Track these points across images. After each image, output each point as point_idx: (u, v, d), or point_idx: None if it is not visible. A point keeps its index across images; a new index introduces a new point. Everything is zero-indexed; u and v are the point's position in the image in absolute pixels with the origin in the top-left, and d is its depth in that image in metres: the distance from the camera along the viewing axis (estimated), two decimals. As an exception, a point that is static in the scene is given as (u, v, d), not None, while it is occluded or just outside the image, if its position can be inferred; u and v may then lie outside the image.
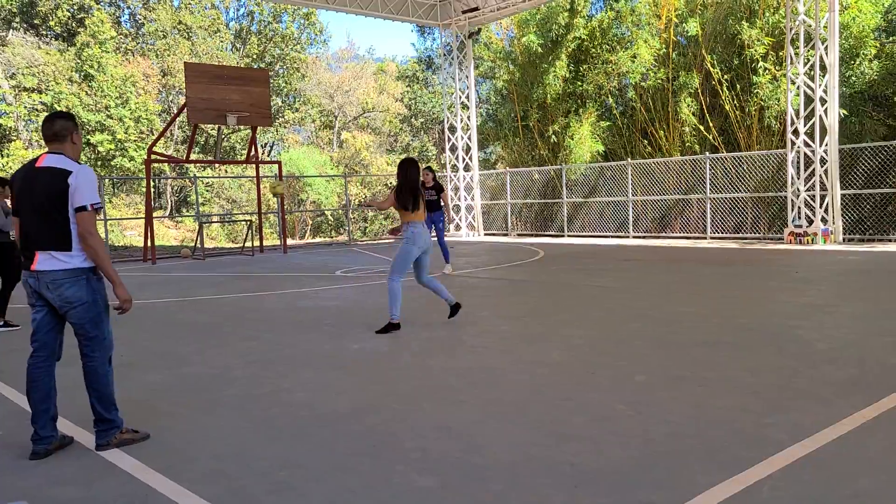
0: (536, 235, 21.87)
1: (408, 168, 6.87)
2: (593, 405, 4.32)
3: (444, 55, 23.09)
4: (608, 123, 20.60)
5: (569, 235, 20.69)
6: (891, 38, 16.41)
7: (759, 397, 4.33)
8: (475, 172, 22.40)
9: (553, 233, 21.55)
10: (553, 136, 21.26)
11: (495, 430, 3.93)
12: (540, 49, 20.93)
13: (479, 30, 22.07)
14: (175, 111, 24.84)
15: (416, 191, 6.81)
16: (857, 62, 16.38)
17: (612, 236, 19.61)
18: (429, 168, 11.71)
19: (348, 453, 3.68)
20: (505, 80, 23.41)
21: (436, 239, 11.54)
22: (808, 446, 3.47)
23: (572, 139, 20.40)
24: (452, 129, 22.53)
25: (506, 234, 22.51)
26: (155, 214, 22.08)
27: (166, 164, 29.93)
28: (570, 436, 3.80)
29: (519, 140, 23.20)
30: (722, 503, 2.93)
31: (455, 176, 22.42)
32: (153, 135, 29.15)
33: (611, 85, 20.32)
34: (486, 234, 22.80)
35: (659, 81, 19.02)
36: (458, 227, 22.51)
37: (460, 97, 22.07)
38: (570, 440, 3.74)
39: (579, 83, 20.90)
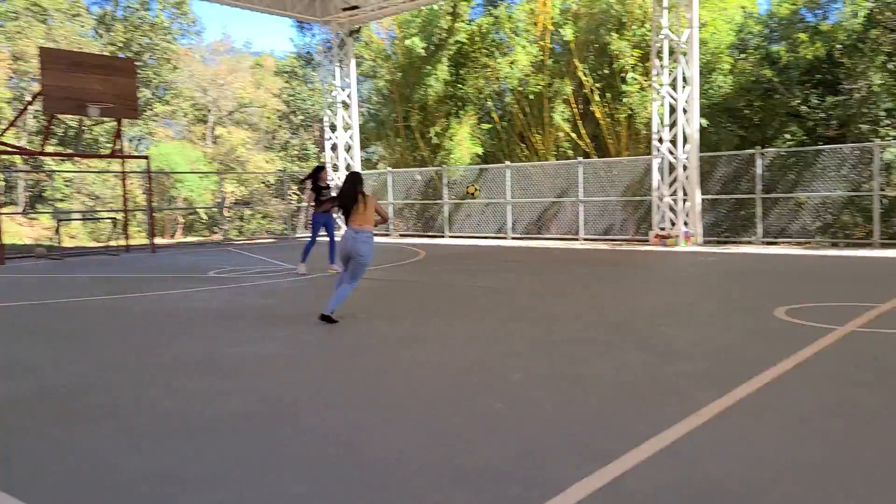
0: (418, 236, 21.98)
1: (347, 180, 7.33)
2: (471, 405, 4.37)
3: (324, 52, 22.77)
4: (488, 126, 21.04)
5: (450, 236, 20.94)
6: (742, 55, 17.76)
7: (625, 392, 4.54)
8: (356, 172, 22.21)
9: (434, 233, 21.75)
10: (434, 138, 21.46)
11: (373, 432, 3.89)
12: (423, 52, 21.07)
13: (360, 28, 21.92)
14: (28, 99, 23.04)
15: (344, 202, 7.18)
16: (714, 76, 17.62)
17: (493, 237, 20.04)
18: (321, 167, 11.59)
19: (219, 462, 3.52)
20: (386, 81, 23.39)
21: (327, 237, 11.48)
22: (668, 437, 3.67)
23: (452, 140, 20.68)
24: (333, 128, 22.24)
25: (387, 235, 22.47)
26: (4, 210, 20.34)
27: (17, 157, 27.68)
28: (448, 435, 3.82)
29: (401, 140, 23.25)
30: (590, 495, 3.03)
31: (336, 175, 22.14)
32: (2, 124, 26.88)
33: (490, 89, 20.78)
34: (367, 235, 22.65)
35: (537, 87, 19.64)
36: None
37: (341, 95, 21.81)
38: (447, 440, 3.76)
39: (460, 86, 21.22)
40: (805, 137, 16.80)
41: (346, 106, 21.94)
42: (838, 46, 16.15)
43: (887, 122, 15.35)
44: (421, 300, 8.88)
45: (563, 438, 3.73)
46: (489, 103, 21.10)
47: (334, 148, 22.26)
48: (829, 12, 17.45)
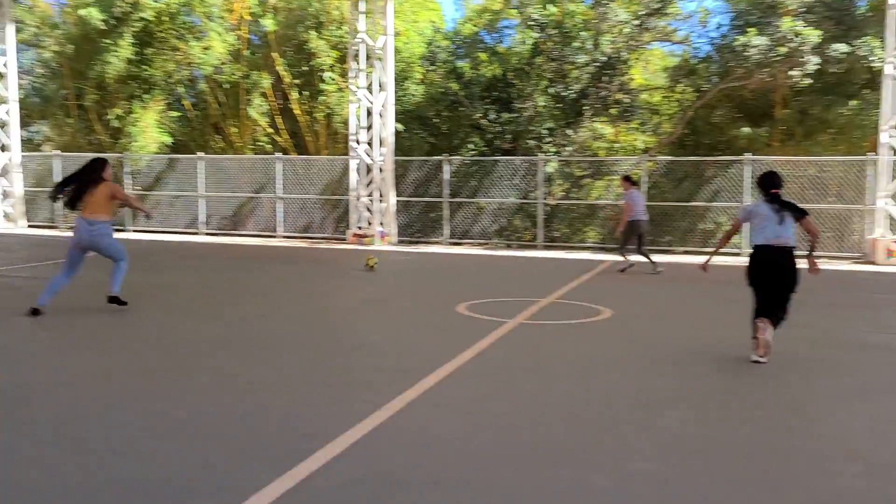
0: (95, 230, 19.71)
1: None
2: (148, 415, 3.99)
3: (-24, 12, 19.25)
4: (178, 114, 19.68)
5: (133, 230, 19.17)
6: (432, 67, 19.04)
7: (316, 391, 4.53)
8: (15, 153, 19.21)
9: (113, 227, 19.70)
10: (114, 121, 19.45)
11: (21, 453, 3.35)
12: (101, 24, 18.94)
13: (20, -11, 18.99)
14: None
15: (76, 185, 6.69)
16: (408, 84, 18.63)
17: (182, 232, 18.79)
18: None
19: None
20: (54, 52, 20.59)
21: None
22: (358, 432, 3.73)
23: (135, 126, 18.95)
24: (-14, 101, 18.94)
25: (55, 227, 19.82)
26: None
27: None
28: (117, 450, 3.44)
29: (73, 121, 20.66)
30: (276, 499, 2.94)
31: (-8, 156, 18.91)
32: None
33: (181, 75, 19.44)
34: (29, 226, 19.74)
35: (233, 77, 18.87)
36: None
37: (-3, 64, 18.66)
38: (117, 455, 3.38)
39: (146, 67, 19.52)
40: (485, 148, 18.57)
41: (0, 76, 18.84)
42: (511, 69, 18.14)
43: (549, 139, 17.64)
44: (87, 302, 7.94)
45: (251, 443, 3.58)
46: (180, 89, 19.73)
47: (-13, 124, 18.98)
48: (504, 37, 19.53)
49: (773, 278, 5.42)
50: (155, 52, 19.38)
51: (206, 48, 18.73)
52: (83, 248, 6.86)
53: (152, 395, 4.38)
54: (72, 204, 6.83)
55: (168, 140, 19.37)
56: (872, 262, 13.10)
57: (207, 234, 18.55)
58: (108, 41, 19.10)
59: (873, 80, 15.37)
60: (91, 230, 6.65)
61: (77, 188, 6.80)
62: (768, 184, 5.71)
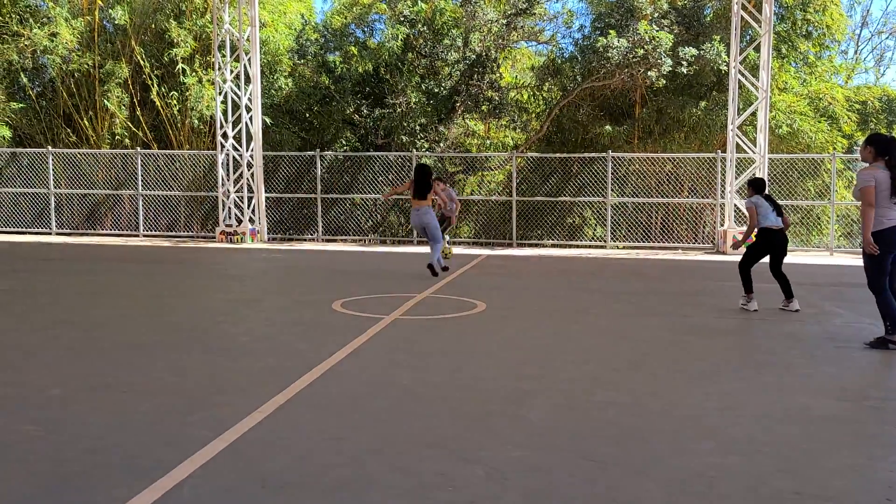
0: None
1: None
2: (-9, 433, 3.64)
3: None
4: (21, 105, 18.10)
5: (-28, 231, 17.49)
6: (301, 60, 18.63)
7: (184, 396, 4.31)
8: None
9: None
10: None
11: None
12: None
13: None
14: None
15: None
16: (276, 77, 18.11)
17: (31, 232, 17.35)
18: None
19: None
20: None
21: None
22: (227, 438, 3.57)
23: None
24: None
25: None
26: None
27: None
28: (-44, 476, 3.11)
29: None
30: (140, 516, 2.77)
31: None
32: None
33: (24, 62, 17.87)
34: None
35: (85, 66, 17.59)
36: None
37: None
38: (-46, 482, 3.05)
39: (-17, 53, 17.82)
40: (358, 144, 18.41)
41: None
42: (383, 64, 18.08)
43: (422, 134, 17.75)
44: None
45: (110, 455, 3.35)
46: (23, 79, 18.13)
47: None
48: (374, 32, 19.42)
49: (778, 249, 7.55)
50: (-7, 38, 17.73)
51: (52, 34, 17.33)
52: None
53: (1, 410, 4.00)
54: None
55: (7, 133, 17.77)
56: (722, 252, 14.18)
57: (60, 233, 17.24)
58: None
59: (720, 82, 16.62)
60: None
61: None
62: (762, 186, 7.82)
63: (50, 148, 17.32)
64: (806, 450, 3.55)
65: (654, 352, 5.65)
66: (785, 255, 7.60)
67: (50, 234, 17.21)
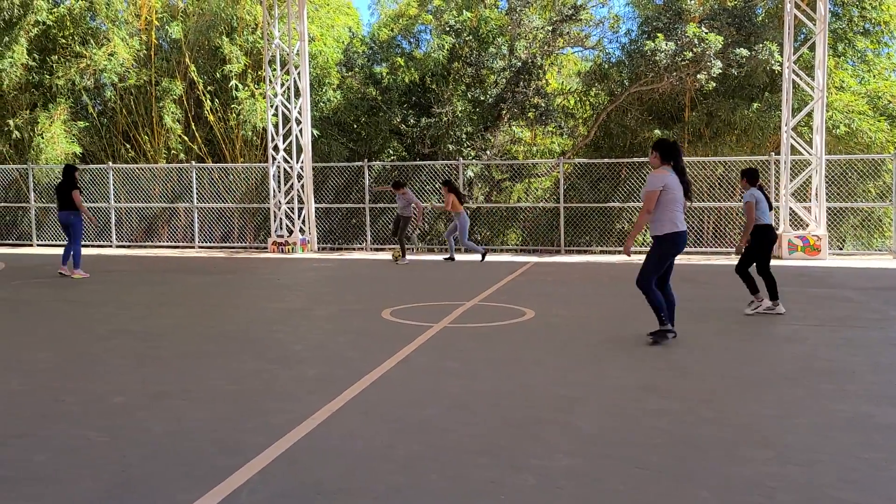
0: (-4, 245, 18.68)
1: None
2: (59, 437, 3.80)
3: None
4: (85, 124, 18.82)
5: (39, 245, 18.24)
6: (349, 72, 18.92)
7: (239, 404, 4.42)
8: None
9: (17, 241, 18.72)
10: (16, 132, 18.44)
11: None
12: (-11, 26, 17.90)
13: None
14: None
15: None
16: (325, 90, 18.43)
17: (92, 245, 17.99)
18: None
19: None
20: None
21: None
22: (282, 445, 3.65)
23: (42, 138, 18.02)
24: None
25: (-47, 244, 18.65)
26: None
27: None
28: (26, 478, 3.26)
29: (-31, 132, 19.47)
30: (200, 520, 2.85)
31: None
32: None
33: (86, 81, 18.59)
34: (-77, 244, 18.50)
35: (141, 83, 18.21)
36: None
37: None
38: (25, 483, 3.20)
39: (47, 75, 18.60)
40: (405, 153, 18.58)
41: None
42: (429, 74, 18.23)
43: (468, 143, 17.81)
44: (-2, 321, 7.51)
45: (171, 461, 3.46)
46: (85, 98, 18.86)
47: None
48: (420, 42, 19.60)
49: (770, 247, 7.43)
50: (58, 60, 18.47)
51: (110, 54, 17.99)
52: None
53: (68, 417, 4.17)
54: None
55: (77, 150, 18.51)
56: (778, 257, 13.82)
57: (120, 246, 17.84)
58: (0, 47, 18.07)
59: (773, 82, 16.25)
60: None
61: None
62: (757, 177, 7.50)
63: (110, 164, 17.95)
64: (868, 460, 3.44)
65: (707, 358, 5.55)
66: (771, 252, 7.55)
67: (111, 246, 17.82)
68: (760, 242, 7.37)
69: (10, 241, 18.85)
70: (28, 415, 4.23)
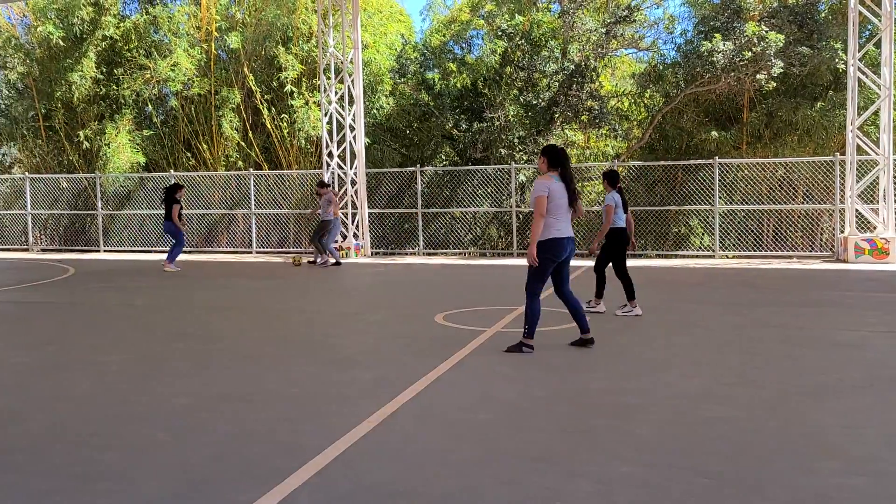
0: (66, 250, 19.46)
1: None
2: (127, 437, 3.94)
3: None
4: (149, 133, 19.47)
5: (105, 250, 18.93)
6: (402, 79, 19.08)
7: (297, 406, 4.50)
8: (-17, 177, 18.91)
9: (85, 247, 19.47)
10: (85, 142, 19.21)
11: (1, 486, 3.28)
12: (61, 42, 18.71)
13: (-17, 10, 18.66)
14: None
15: None
16: (377, 97, 18.64)
17: (155, 251, 18.58)
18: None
19: None
20: (20, 73, 20.30)
21: None
22: (339, 447, 3.71)
23: (109, 147, 18.73)
24: (-50, 124, 18.64)
25: (26, 250, 19.51)
26: None
27: None
28: (98, 475, 3.39)
29: (42, 143, 20.37)
30: (261, 519, 2.92)
31: None
32: None
33: (150, 92, 19.25)
34: (-1, 250, 19.41)
35: (202, 92, 18.74)
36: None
37: (-41, 86, 18.40)
38: (97, 480, 3.32)
39: (114, 87, 19.32)
40: (457, 158, 18.63)
41: (-34, 99, 18.56)
42: (481, 78, 18.25)
43: (521, 147, 17.75)
44: (66, 324, 7.82)
45: (234, 462, 3.55)
46: (149, 108, 19.53)
47: (-48, 148, 18.68)
48: (472, 47, 19.65)
49: (625, 249, 7.89)
50: (123, 72, 19.18)
51: (173, 65, 18.58)
52: None
53: (136, 418, 4.31)
54: None
55: (141, 159, 19.17)
56: (843, 261, 13.35)
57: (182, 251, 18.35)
58: (70, 60, 18.87)
59: (837, 81, 15.73)
60: None
61: None
62: (617, 179, 7.77)
63: (172, 171, 18.52)
64: (943, 473, 3.30)
65: (769, 366, 5.40)
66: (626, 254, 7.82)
67: (172, 252, 18.34)
68: (618, 244, 7.77)
69: (79, 247, 19.60)
70: (100, 415, 4.39)
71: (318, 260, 14.23)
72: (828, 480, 3.22)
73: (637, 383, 4.95)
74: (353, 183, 16.22)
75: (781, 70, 14.84)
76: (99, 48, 19.16)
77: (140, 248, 18.87)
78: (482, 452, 3.64)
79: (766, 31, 14.95)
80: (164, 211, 13.70)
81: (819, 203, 14.65)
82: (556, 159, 5.88)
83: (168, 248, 14.09)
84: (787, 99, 15.95)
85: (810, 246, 15.03)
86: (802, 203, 15.09)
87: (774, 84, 15.27)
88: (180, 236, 13.67)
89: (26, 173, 20.17)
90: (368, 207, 16.72)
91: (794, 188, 15.18)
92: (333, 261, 14.04)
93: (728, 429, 3.95)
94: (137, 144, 19.13)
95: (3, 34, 20.44)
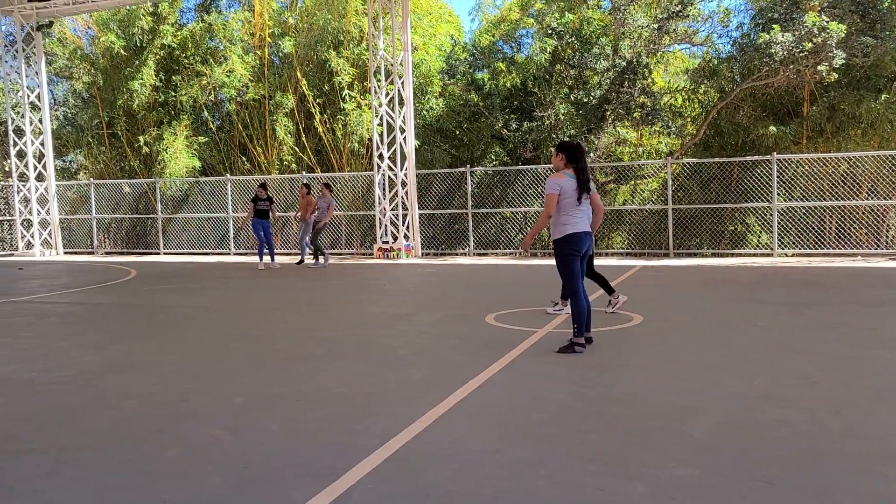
0: (128, 253, 20.14)
1: None
2: (188, 434, 4.06)
3: (6, 46, 19.81)
4: (205, 139, 20.00)
5: (165, 253, 19.51)
6: (451, 80, 19.12)
7: (349, 406, 4.55)
8: (51, 183, 19.71)
9: (146, 249, 20.10)
10: (145, 148, 19.84)
11: (70, 481, 3.42)
12: (123, 52, 19.37)
13: (51, 23, 19.43)
14: None
15: None
16: (427, 98, 18.72)
17: (213, 253, 19.06)
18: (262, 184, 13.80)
19: None
20: (85, 83, 21.10)
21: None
22: (391, 447, 3.74)
23: (167, 153, 19.31)
24: (20, 132, 19.48)
25: (91, 253, 20.25)
26: None
27: None
28: (160, 472, 3.49)
29: (105, 149, 21.13)
30: (316, 517, 2.96)
31: (25, 186, 19.43)
32: None
33: (206, 98, 19.77)
34: (66, 253, 20.19)
35: (256, 97, 19.15)
36: (29, 245, 19.50)
37: (29, 96, 19.21)
38: (160, 476, 3.43)
39: (172, 93, 19.90)
40: (507, 158, 18.57)
41: (35, 108, 19.37)
42: (531, 77, 18.15)
43: (571, 146, 17.58)
44: (129, 324, 8.09)
45: (288, 460, 3.61)
46: (205, 114, 20.07)
47: (21, 155, 19.52)
48: (522, 46, 19.55)
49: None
50: (181, 79, 19.75)
51: (228, 71, 19.04)
52: None
53: (195, 416, 4.44)
54: None
55: (198, 164, 19.70)
56: (909, 258, 12.82)
57: (237, 253, 18.79)
58: (130, 69, 19.53)
59: (902, 72, 15.11)
60: None
61: None
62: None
63: (228, 176, 18.97)
64: None
65: (832, 367, 5.23)
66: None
67: (229, 254, 18.80)
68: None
69: (140, 250, 20.25)
70: (161, 413, 4.53)
71: (321, 260, 14.79)
72: (895, 485, 3.11)
73: (692, 384, 4.85)
74: (404, 184, 16.32)
75: (843, 61, 14.33)
76: (158, 56, 19.78)
77: (197, 251, 19.38)
78: (535, 453, 3.62)
79: (827, 22, 14.46)
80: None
81: (885, 199, 14.11)
82: (573, 156, 5.88)
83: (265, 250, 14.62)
84: (850, 91, 15.40)
85: (875, 243, 14.49)
86: (867, 199, 14.55)
87: (836, 76, 14.76)
88: (258, 237, 14.41)
89: (91, 179, 20.94)
90: (419, 208, 16.80)
91: (858, 183, 14.65)
92: (313, 260, 14.85)
93: (788, 431, 3.84)
94: (193, 150, 19.66)
95: (70, 45, 21.29)
